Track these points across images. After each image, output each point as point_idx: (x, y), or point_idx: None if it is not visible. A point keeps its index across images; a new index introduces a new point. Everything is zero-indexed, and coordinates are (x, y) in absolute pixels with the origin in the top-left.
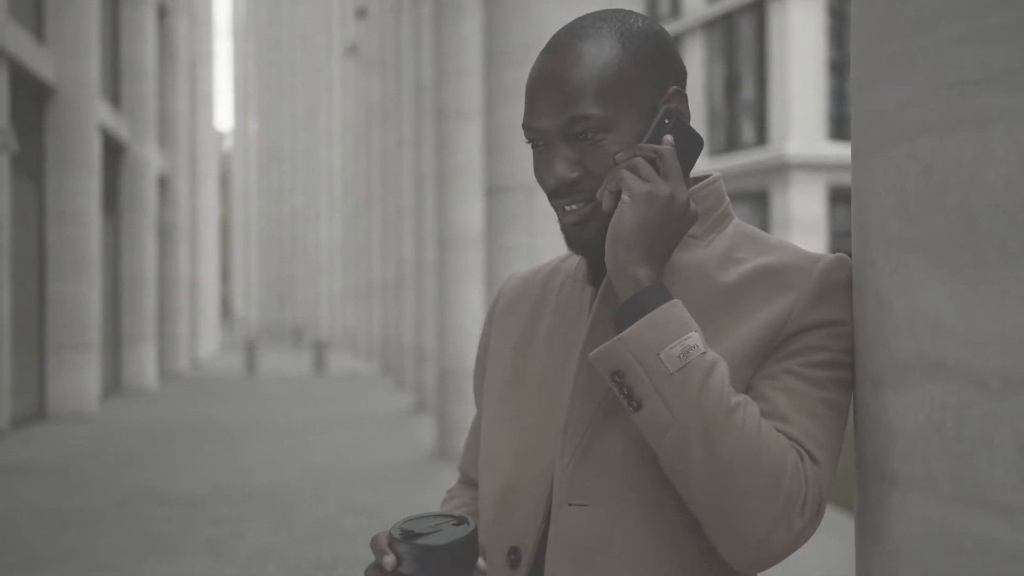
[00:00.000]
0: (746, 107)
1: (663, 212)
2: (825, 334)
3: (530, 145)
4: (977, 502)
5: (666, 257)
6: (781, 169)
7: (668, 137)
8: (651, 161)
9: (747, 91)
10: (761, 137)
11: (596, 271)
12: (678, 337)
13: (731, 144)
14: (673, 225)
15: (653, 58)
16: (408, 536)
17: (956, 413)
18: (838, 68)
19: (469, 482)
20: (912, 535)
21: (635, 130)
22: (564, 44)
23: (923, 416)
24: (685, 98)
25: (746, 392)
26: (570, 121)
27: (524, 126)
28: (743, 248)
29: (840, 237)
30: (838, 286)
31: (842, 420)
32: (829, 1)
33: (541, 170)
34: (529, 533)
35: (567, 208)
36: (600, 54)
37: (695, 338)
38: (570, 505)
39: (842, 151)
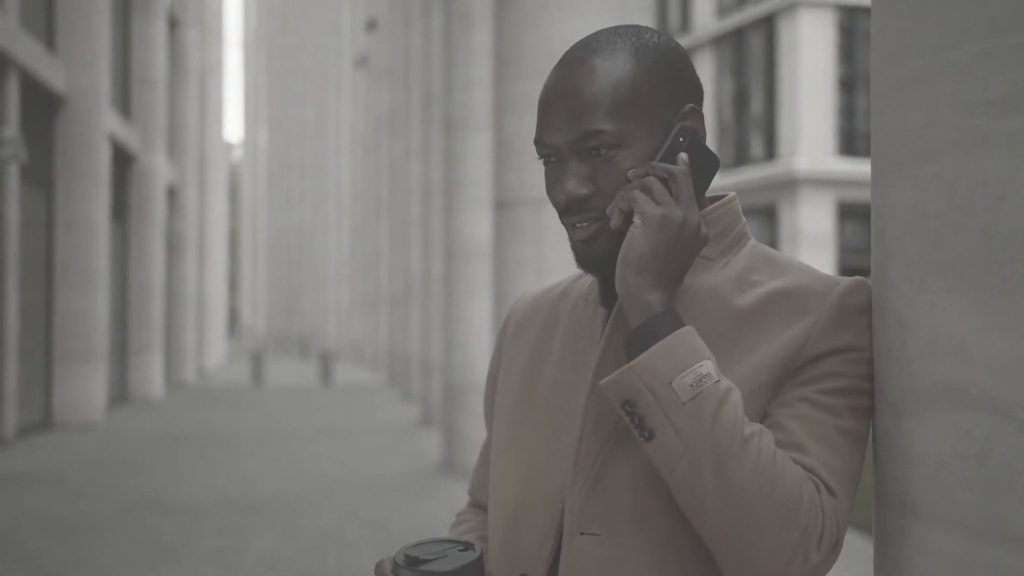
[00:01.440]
0: (755, 122)
1: (675, 236)
2: (842, 360)
3: (542, 161)
4: (1003, 537)
5: (678, 282)
6: (790, 184)
7: (683, 156)
8: (664, 181)
9: (756, 106)
10: (770, 152)
11: (608, 292)
12: (691, 365)
13: (740, 159)
14: (685, 249)
15: (668, 75)
16: (412, 563)
17: (981, 443)
18: (847, 84)
19: (479, 506)
20: (934, 570)
21: (649, 147)
22: (578, 59)
23: (947, 446)
24: (701, 116)
25: (761, 420)
26: (582, 136)
27: (536, 141)
28: (759, 270)
29: (849, 253)
30: (856, 310)
31: (860, 449)
32: (839, 17)
33: (552, 186)
34: (539, 560)
35: (577, 225)
36: (614, 69)
37: (708, 366)
38: (582, 534)
39: (851, 167)
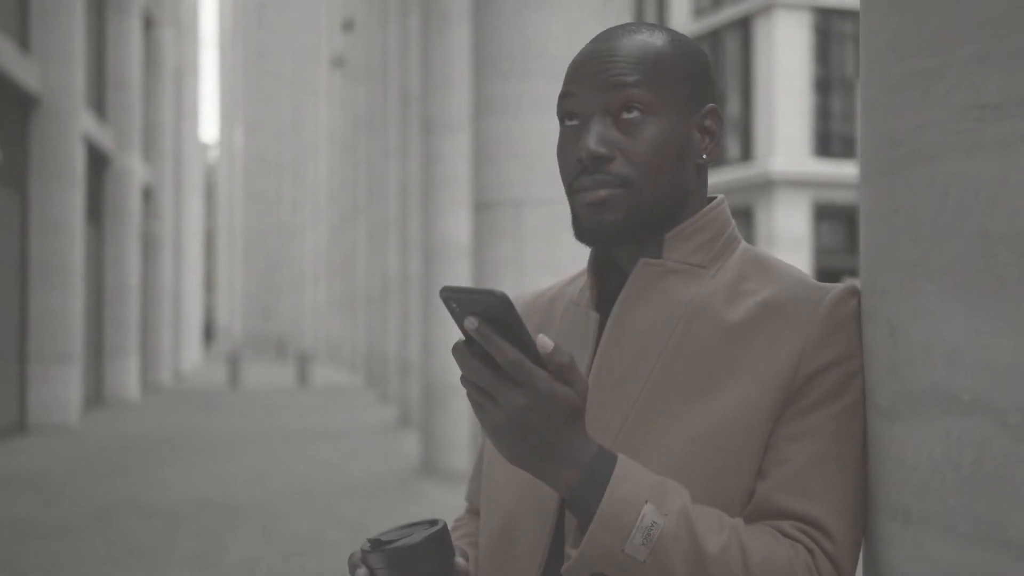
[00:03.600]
0: (731, 123)
1: (530, 427)
2: (842, 374)
3: (560, 124)
4: (996, 542)
5: (570, 432)
6: (766, 186)
7: (471, 320)
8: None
9: (732, 107)
10: (746, 153)
11: (601, 295)
12: (633, 524)
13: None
14: (549, 424)
15: (697, 71)
16: (377, 545)
17: (974, 449)
18: (823, 85)
19: (476, 511)
20: (926, 575)
21: (671, 127)
22: (617, 30)
23: (938, 451)
24: (720, 118)
25: (765, 451)
26: (617, 88)
27: (563, 96)
28: (750, 278)
29: (824, 254)
30: (848, 318)
31: (865, 469)
32: (815, 18)
33: (568, 147)
34: (531, 569)
35: (588, 189)
36: (654, 43)
37: (649, 512)
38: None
39: (827, 168)
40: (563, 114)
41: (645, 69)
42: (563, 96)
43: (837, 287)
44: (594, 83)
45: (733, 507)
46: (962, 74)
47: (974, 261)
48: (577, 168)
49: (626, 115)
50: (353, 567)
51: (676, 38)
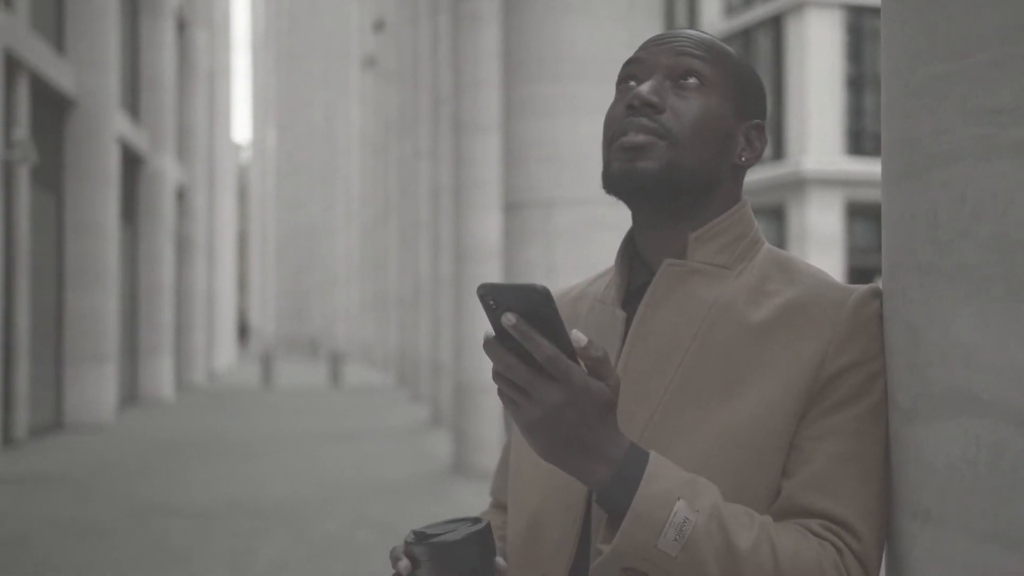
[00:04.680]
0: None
1: (566, 421)
2: (865, 374)
3: (617, 91)
4: (1013, 542)
5: (603, 427)
6: (798, 184)
7: (508, 316)
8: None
9: None
10: (778, 152)
11: (626, 292)
12: (666, 520)
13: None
14: (583, 419)
15: (754, 85)
16: (422, 538)
17: (991, 449)
18: (856, 83)
19: (500, 506)
20: (944, 574)
21: (722, 113)
22: (683, 29)
23: (956, 451)
24: (764, 137)
25: (789, 449)
26: (681, 60)
27: (626, 64)
28: (773, 279)
29: (857, 253)
30: (871, 319)
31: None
32: (847, 16)
33: (620, 104)
34: (558, 563)
35: (630, 132)
36: (722, 44)
37: (681, 509)
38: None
39: (859, 167)
40: (623, 77)
41: (712, 57)
42: (627, 63)
43: (860, 288)
44: (661, 50)
45: (758, 504)
46: (979, 80)
47: (990, 264)
48: (624, 115)
49: (684, 81)
50: (395, 559)
51: (736, 53)
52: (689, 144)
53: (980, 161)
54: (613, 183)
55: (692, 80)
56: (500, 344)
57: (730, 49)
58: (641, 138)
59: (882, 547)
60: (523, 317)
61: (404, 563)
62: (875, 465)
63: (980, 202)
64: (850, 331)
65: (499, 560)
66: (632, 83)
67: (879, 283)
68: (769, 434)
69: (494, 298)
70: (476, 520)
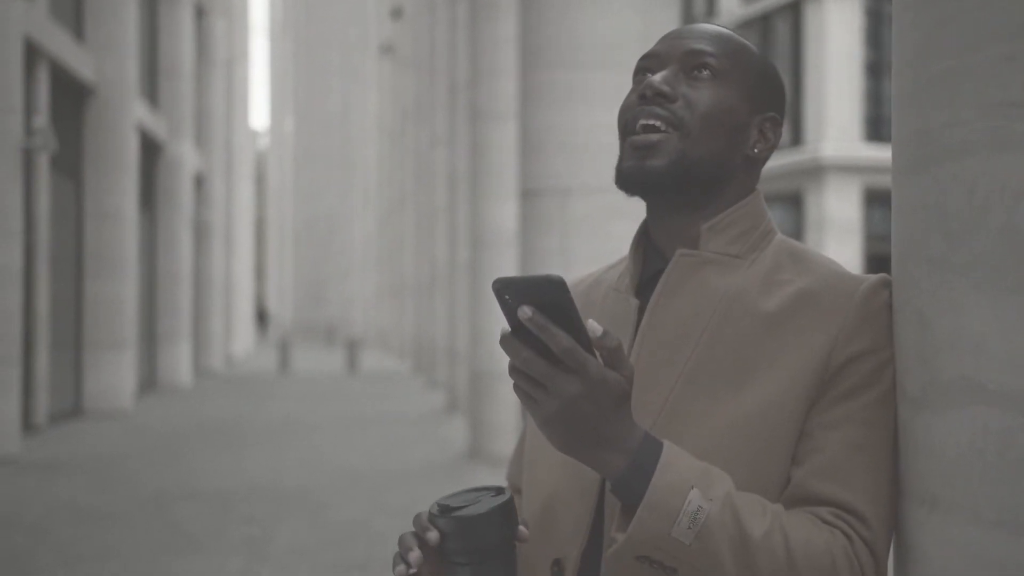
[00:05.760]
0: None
1: (582, 413)
2: (875, 363)
3: (633, 83)
4: (1020, 528)
5: (618, 418)
6: (816, 171)
7: (525, 309)
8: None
9: None
10: (796, 138)
11: (640, 281)
12: (680, 508)
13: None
14: (600, 411)
15: (769, 77)
16: (445, 511)
17: (999, 437)
18: (874, 69)
19: (516, 491)
20: (953, 561)
21: (735, 104)
22: (700, 23)
23: (965, 440)
24: (779, 131)
25: (800, 438)
26: (695, 54)
27: (642, 58)
28: (785, 268)
29: (875, 240)
30: (881, 309)
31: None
32: (866, 2)
33: (634, 91)
34: (573, 546)
35: (641, 123)
36: (740, 39)
37: (695, 498)
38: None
39: (878, 153)
40: (639, 70)
41: (726, 50)
42: (643, 57)
43: (871, 278)
44: (675, 44)
45: (769, 492)
46: (990, 73)
47: (999, 256)
48: (636, 104)
49: (697, 73)
50: (424, 528)
51: (761, 52)
52: (700, 133)
53: (991, 154)
54: (624, 181)
55: (705, 72)
56: (516, 339)
57: (747, 43)
58: (653, 137)
59: (891, 534)
60: (539, 309)
61: (433, 534)
62: (884, 453)
63: (990, 194)
64: (860, 320)
65: (522, 529)
66: (650, 71)
67: (886, 274)
68: (780, 423)
69: (509, 292)
70: (499, 490)
